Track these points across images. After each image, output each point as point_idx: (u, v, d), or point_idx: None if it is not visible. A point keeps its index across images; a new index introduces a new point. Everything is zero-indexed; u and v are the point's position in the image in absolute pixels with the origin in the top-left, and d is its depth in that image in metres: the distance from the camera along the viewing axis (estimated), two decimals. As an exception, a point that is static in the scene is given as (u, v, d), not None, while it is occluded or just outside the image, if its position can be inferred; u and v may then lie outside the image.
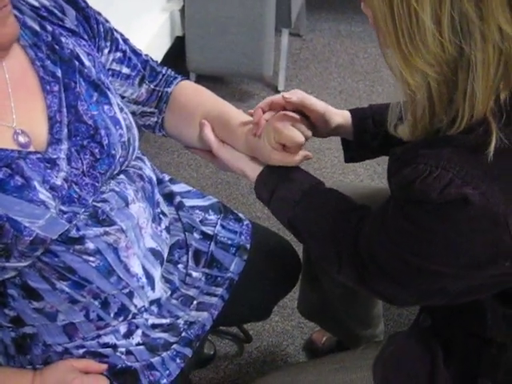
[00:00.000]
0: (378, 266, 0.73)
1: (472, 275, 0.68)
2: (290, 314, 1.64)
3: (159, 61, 1.00)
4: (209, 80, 2.56)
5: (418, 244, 0.67)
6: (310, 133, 0.88)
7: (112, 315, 0.83)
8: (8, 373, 0.82)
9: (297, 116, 0.88)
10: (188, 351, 0.90)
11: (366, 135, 0.97)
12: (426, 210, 0.64)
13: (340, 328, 1.33)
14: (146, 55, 0.96)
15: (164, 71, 0.98)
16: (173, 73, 0.99)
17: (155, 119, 0.99)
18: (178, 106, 0.97)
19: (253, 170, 0.89)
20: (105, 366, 0.82)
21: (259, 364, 1.52)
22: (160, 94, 0.97)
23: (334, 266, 0.80)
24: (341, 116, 0.97)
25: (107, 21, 0.89)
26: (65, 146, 0.74)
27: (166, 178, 1.09)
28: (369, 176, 2.13)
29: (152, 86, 0.95)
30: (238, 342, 1.55)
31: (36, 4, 0.79)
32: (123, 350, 0.85)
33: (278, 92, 2.53)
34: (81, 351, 0.83)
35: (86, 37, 0.83)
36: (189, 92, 0.99)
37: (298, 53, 2.83)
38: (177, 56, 2.41)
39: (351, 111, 0.99)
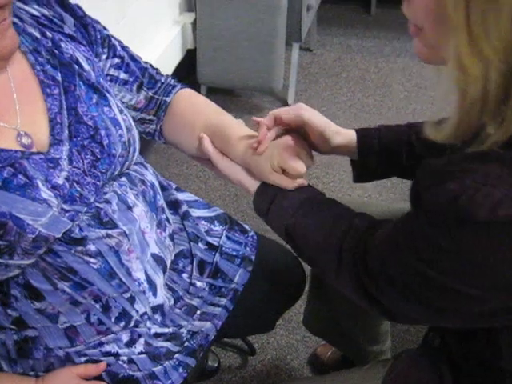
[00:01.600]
0: (389, 279, 0.70)
1: (500, 299, 0.64)
2: (295, 327, 1.63)
3: (170, 73, 1.01)
4: (219, 93, 2.58)
5: (450, 262, 0.63)
6: (311, 162, 0.87)
7: (113, 320, 0.83)
8: (11, 379, 0.83)
9: (303, 141, 0.88)
10: (191, 361, 0.90)
11: (371, 157, 0.94)
12: (468, 229, 0.59)
13: (347, 343, 1.31)
14: (146, 62, 0.98)
15: (163, 79, 0.99)
16: (172, 81, 1.00)
17: (154, 127, 1.00)
18: (176, 115, 0.98)
19: (251, 184, 0.88)
20: (103, 365, 0.83)
21: (263, 377, 1.51)
22: (159, 102, 0.98)
23: (332, 271, 0.78)
24: (343, 136, 0.94)
25: (105, 28, 0.92)
26: (66, 146, 0.76)
27: (173, 186, 1.09)
28: (378, 192, 2.12)
29: (151, 94, 0.97)
30: (242, 355, 1.55)
31: (36, 13, 0.82)
32: (125, 358, 0.85)
33: (287, 106, 2.54)
34: (83, 359, 0.83)
35: (84, 42, 0.85)
36: (187, 101, 0.99)
37: (308, 67, 2.85)
38: (188, 69, 2.43)
39: (357, 131, 0.95)
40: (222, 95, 2.58)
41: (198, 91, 1.03)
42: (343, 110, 2.55)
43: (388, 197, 2.09)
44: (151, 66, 0.98)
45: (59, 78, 0.77)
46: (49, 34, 0.80)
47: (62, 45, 0.80)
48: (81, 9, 0.87)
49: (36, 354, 0.82)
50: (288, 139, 0.86)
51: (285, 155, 0.83)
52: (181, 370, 0.88)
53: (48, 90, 0.76)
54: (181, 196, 1.07)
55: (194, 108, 0.98)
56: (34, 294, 0.77)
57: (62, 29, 0.82)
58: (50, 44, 0.79)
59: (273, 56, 2.29)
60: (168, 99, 0.98)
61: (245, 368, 1.53)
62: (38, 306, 0.78)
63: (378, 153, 0.94)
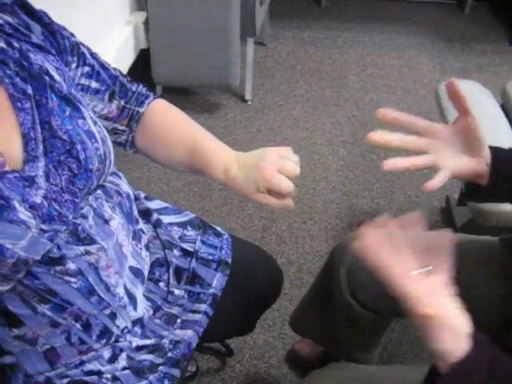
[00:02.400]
0: None
1: None
2: (270, 325, 1.63)
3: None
4: (175, 92, 2.54)
5: None
6: (297, 171, 0.83)
7: (94, 338, 0.81)
8: None
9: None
10: (176, 372, 0.88)
11: (504, 185, 0.88)
12: None
13: (338, 347, 1.30)
14: (116, 69, 0.94)
15: (134, 88, 0.96)
16: (144, 90, 0.97)
17: (125, 137, 0.97)
18: (150, 126, 0.96)
19: None
20: None
21: (242, 378, 1.50)
22: (131, 112, 0.95)
23: None
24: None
25: (73, 35, 0.87)
26: (42, 162, 0.72)
27: (142, 195, 1.07)
28: (340, 182, 2.14)
29: (123, 103, 0.93)
30: (220, 357, 1.53)
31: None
32: (109, 376, 0.82)
33: (245, 101, 2.53)
34: (64, 381, 0.80)
35: (53, 51, 0.80)
36: (160, 114, 0.97)
37: (263, 61, 2.84)
38: (142, 69, 2.38)
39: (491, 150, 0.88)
40: (178, 94, 2.55)
41: (154, 91, 1.00)
42: (301, 102, 2.55)
43: (352, 188, 2.11)
44: (121, 73, 0.94)
45: (30, 91, 0.73)
46: (16, 44, 0.75)
47: (31, 55, 0.75)
48: (47, 15, 0.82)
49: (15, 382, 0.78)
50: (271, 159, 0.83)
51: (268, 177, 0.80)
52: (166, 382, 0.86)
53: (19, 105, 0.72)
54: (151, 204, 1.04)
55: (167, 121, 0.95)
56: (13, 320, 0.73)
57: (29, 38, 0.77)
58: (17, 55, 0.74)
59: (228, 52, 2.27)
60: (141, 110, 0.95)
61: (223, 370, 1.52)
62: (16, 332, 0.75)
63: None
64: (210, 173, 0.87)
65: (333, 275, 1.13)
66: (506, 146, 1.33)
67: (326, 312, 1.23)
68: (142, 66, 2.39)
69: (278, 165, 0.81)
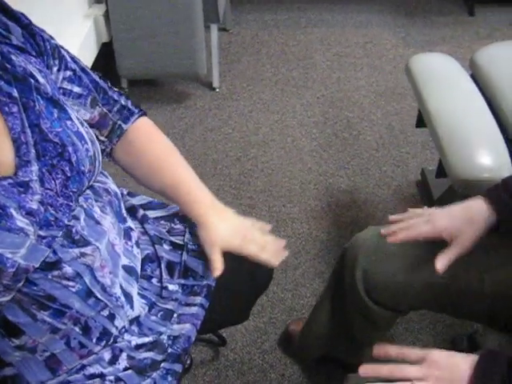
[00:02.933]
0: None
1: None
2: (260, 311, 1.63)
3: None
4: (142, 84, 2.50)
5: None
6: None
7: (94, 340, 0.79)
8: None
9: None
10: (178, 367, 0.87)
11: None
12: None
13: (349, 349, 1.30)
14: (96, 74, 0.92)
15: (116, 97, 0.93)
16: (129, 103, 0.96)
17: (103, 147, 0.95)
18: (130, 147, 0.96)
19: None
20: None
21: (237, 365, 1.50)
22: (113, 124, 0.93)
23: None
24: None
25: (52, 38, 0.84)
26: (35, 167, 0.70)
27: (125, 191, 1.05)
28: (316, 163, 2.14)
29: (105, 110, 0.91)
30: (213, 347, 1.53)
31: None
32: (112, 378, 0.81)
33: (213, 89, 2.50)
34: (67, 387, 0.78)
35: (34, 53, 0.78)
36: (143, 137, 0.98)
37: (227, 47, 2.81)
38: (106, 63, 2.33)
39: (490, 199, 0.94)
40: (145, 86, 2.51)
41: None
42: (269, 86, 2.54)
43: (328, 168, 2.12)
44: (100, 76, 0.92)
45: (16, 94, 0.70)
46: None
47: (13, 58, 0.72)
48: (25, 16, 0.79)
49: None
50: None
51: (253, 253, 0.95)
52: (170, 378, 0.85)
53: (6, 109, 0.69)
54: (134, 200, 1.03)
55: (150, 147, 0.98)
56: (12, 330, 0.71)
57: (9, 40, 0.74)
58: None
59: (194, 40, 2.24)
60: (125, 127, 0.94)
61: (218, 359, 1.51)
62: (16, 342, 0.73)
63: None
64: (189, 212, 0.95)
65: (344, 276, 1.13)
66: (481, 115, 1.35)
67: (336, 315, 1.23)
68: (105, 61, 2.34)
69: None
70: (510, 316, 0.96)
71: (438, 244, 0.94)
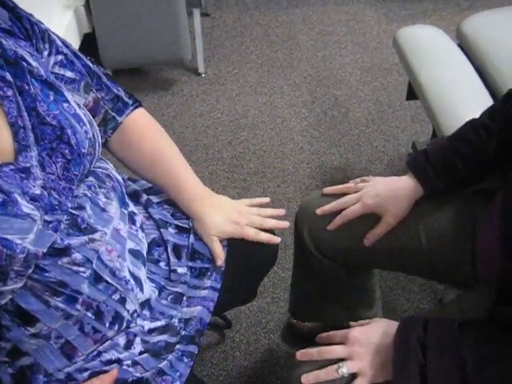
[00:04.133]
0: None
1: None
2: (262, 291, 1.64)
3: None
4: (126, 73, 2.47)
5: None
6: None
7: (107, 325, 0.79)
8: None
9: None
10: (193, 348, 0.88)
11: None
12: None
13: (340, 314, 1.31)
14: (89, 59, 0.90)
15: (110, 84, 0.93)
16: (123, 94, 0.95)
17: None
18: (126, 139, 0.97)
19: None
20: (115, 372, 0.79)
21: (244, 346, 1.51)
22: (105, 113, 0.92)
23: None
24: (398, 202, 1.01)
25: (41, 22, 0.82)
26: (34, 152, 0.69)
27: (125, 176, 1.05)
28: (307, 142, 2.14)
29: (99, 96, 0.90)
30: (219, 330, 1.54)
31: None
32: (129, 362, 0.81)
33: (199, 75, 2.49)
34: (85, 374, 0.78)
35: (22, 37, 0.76)
36: (138, 131, 0.98)
37: (210, 32, 2.79)
38: (89, 54, 2.29)
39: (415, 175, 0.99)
40: (129, 75, 2.48)
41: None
42: (255, 68, 2.53)
43: (319, 146, 2.12)
44: (91, 61, 0.91)
45: (9, 78, 0.69)
46: None
47: (3, 41, 0.71)
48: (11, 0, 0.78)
49: (35, 383, 0.77)
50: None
51: (251, 235, 0.99)
52: (185, 359, 0.86)
53: (1, 93, 0.68)
54: (136, 186, 1.03)
55: (145, 139, 0.98)
56: (27, 318, 0.71)
57: None
58: None
59: (177, 26, 2.22)
60: (119, 119, 0.94)
61: (224, 342, 1.52)
62: (32, 331, 0.73)
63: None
64: (183, 207, 0.99)
65: (300, 239, 1.17)
66: (471, 83, 1.36)
67: (312, 279, 1.26)
68: (88, 52, 2.30)
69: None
70: (448, 268, 1.01)
71: None
